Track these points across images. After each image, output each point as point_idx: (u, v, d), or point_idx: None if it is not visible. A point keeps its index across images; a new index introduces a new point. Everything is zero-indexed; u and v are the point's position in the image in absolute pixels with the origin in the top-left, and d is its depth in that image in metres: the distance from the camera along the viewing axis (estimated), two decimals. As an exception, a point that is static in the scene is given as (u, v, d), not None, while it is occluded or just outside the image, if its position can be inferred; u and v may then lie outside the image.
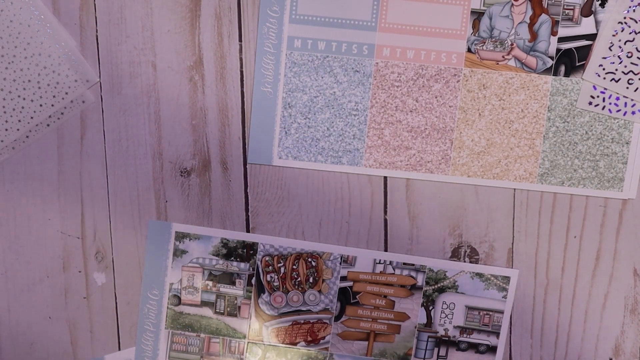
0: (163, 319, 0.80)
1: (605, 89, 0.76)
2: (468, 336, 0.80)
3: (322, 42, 0.76)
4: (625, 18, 0.75)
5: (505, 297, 0.79)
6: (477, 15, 0.75)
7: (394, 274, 0.79)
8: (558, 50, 0.76)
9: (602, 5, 0.75)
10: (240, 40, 0.76)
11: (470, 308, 0.79)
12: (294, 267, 0.79)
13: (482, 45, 0.76)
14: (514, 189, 0.78)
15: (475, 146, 0.77)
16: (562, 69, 0.76)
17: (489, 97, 0.76)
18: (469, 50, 0.76)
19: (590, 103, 0.76)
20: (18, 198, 0.79)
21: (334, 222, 0.79)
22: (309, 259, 0.79)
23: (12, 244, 0.80)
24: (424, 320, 0.79)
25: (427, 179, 0.77)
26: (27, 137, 0.78)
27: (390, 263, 0.79)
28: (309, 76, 0.76)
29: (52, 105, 0.77)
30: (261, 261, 0.79)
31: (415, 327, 0.80)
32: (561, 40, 0.75)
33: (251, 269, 0.79)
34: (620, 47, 0.75)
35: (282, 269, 0.79)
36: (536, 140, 0.77)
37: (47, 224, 0.79)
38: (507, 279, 0.79)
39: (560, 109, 0.76)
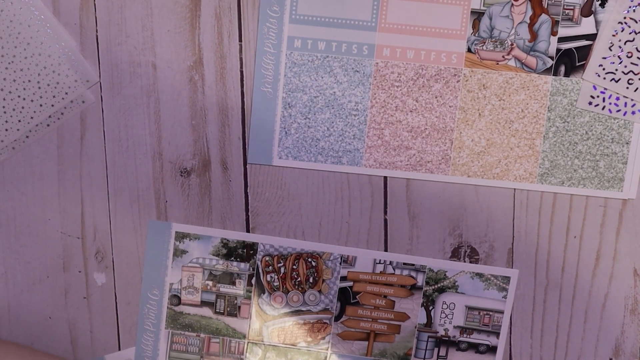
0: (163, 319, 0.80)
1: (605, 89, 0.76)
2: (468, 336, 0.80)
3: (322, 42, 0.76)
4: (625, 18, 0.75)
5: (505, 297, 0.79)
6: (477, 15, 0.75)
7: (394, 274, 0.79)
8: (558, 50, 0.76)
9: (602, 5, 0.75)
10: (240, 40, 0.76)
11: (470, 308, 0.79)
12: (294, 267, 0.79)
13: (482, 45, 0.76)
14: (514, 189, 0.78)
15: (475, 146, 0.77)
16: (562, 69, 0.76)
17: (489, 97, 0.76)
18: (469, 50, 0.76)
19: (590, 103, 0.76)
20: (18, 198, 0.79)
21: (334, 222, 0.79)
22: (309, 259, 0.79)
23: (12, 244, 0.80)
24: (424, 320, 0.79)
25: (427, 179, 0.77)
26: (27, 137, 0.78)
27: (390, 263, 0.79)
28: (309, 76, 0.76)
29: (52, 106, 0.77)
30: (261, 261, 0.79)
31: (415, 327, 0.80)
32: (561, 40, 0.75)
33: (251, 269, 0.79)
34: (620, 47, 0.75)
35: (282, 269, 0.79)
36: (536, 140, 0.77)
37: (47, 224, 0.79)
38: (507, 279, 0.79)
39: (560, 109, 0.76)
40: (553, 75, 0.76)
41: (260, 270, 0.79)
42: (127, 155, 0.78)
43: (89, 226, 0.79)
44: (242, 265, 0.79)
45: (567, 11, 0.75)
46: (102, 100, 0.77)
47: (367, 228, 0.79)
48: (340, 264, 0.79)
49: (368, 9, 0.75)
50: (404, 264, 0.79)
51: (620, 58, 0.75)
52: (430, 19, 0.75)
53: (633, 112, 0.76)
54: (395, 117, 0.77)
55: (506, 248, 0.79)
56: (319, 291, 0.79)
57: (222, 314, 0.80)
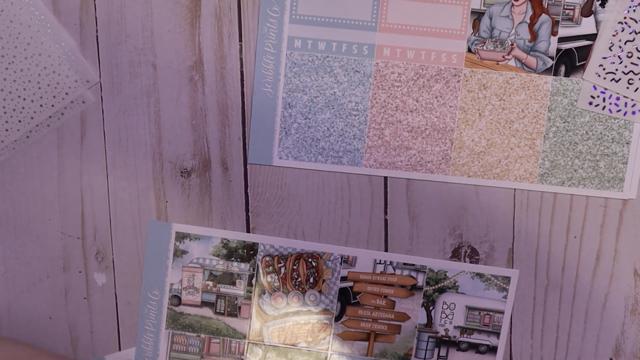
0: (163, 319, 0.80)
1: (605, 89, 0.76)
2: (468, 336, 0.80)
3: (322, 42, 0.76)
4: (625, 18, 0.75)
5: (505, 297, 0.79)
6: (477, 15, 0.75)
7: (394, 274, 0.79)
8: (558, 50, 0.76)
9: (602, 5, 0.75)
10: (240, 40, 0.76)
11: (470, 308, 0.79)
12: (295, 267, 0.79)
13: (482, 45, 0.76)
14: (514, 189, 0.78)
15: (475, 146, 0.77)
16: (562, 69, 0.76)
17: (489, 97, 0.76)
18: (469, 50, 0.76)
19: (590, 103, 0.76)
20: (18, 198, 0.79)
21: (334, 222, 0.79)
22: (309, 259, 0.79)
23: (12, 244, 0.80)
24: (425, 321, 0.79)
25: (427, 179, 0.77)
26: (27, 137, 0.78)
27: (391, 263, 0.79)
28: (309, 76, 0.76)
29: (53, 106, 0.77)
30: (261, 261, 0.79)
31: (416, 328, 0.80)
32: (561, 40, 0.75)
33: (251, 269, 0.79)
34: (620, 47, 0.75)
35: (283, 269, 0.79)
36: (536, 140, 0.77)
37: (47, 224, 0.79)
38: (507, 279, 0.79)
39: (560, 109, 0.76)
40: (553, 75, 0.76)
41: (261, 271, 0.79)
42: (127, 155, 0.78)
43: (89, 226, 0.79)
44: (243, 265, 0.79)
45: (567, 11, 0.75)
46: (102, 100, 0.77)
47: (367, 228, 0.79)
48: (341, 264, 0.79)
49: (368, 9, 0.75)
50: (404, 264, 0.79)
51: (620, 58, 0.75)
52: (430, 19, 0.75)
53: (633, 112, 0.76)
54: (396, 117, 0.77)
55: (506, 248, 0.79)
56: (319, 291, 0.79)
57: (223, 314, 0.80)
